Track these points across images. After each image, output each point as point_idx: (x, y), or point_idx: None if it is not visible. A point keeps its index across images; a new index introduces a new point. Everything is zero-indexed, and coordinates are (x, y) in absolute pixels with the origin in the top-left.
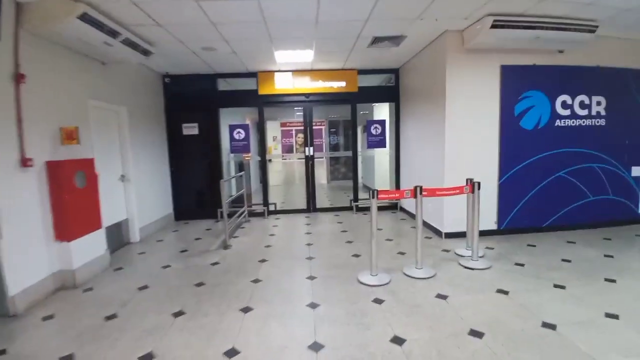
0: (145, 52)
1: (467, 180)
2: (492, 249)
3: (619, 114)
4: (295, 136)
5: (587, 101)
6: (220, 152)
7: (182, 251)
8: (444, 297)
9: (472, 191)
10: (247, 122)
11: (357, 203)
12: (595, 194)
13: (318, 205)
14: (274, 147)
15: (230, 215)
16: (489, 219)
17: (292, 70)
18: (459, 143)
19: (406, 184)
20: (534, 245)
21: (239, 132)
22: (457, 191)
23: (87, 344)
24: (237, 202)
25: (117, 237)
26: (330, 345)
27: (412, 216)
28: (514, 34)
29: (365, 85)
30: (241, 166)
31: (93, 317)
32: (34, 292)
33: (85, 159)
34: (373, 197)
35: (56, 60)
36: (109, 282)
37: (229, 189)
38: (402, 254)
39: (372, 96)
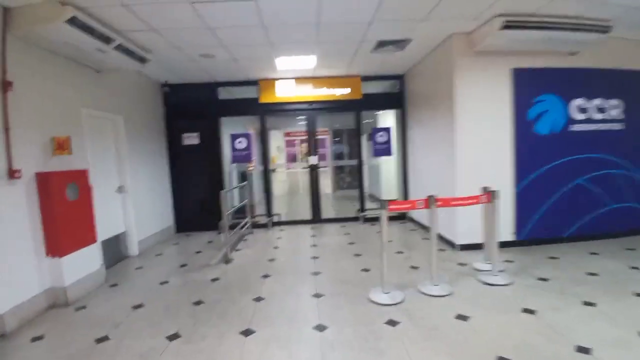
0: (142, 60)
1: (483, 189)
2: (512, 262)
3: (639, 118)
4: (299, 146)
5: (603, 105)
6: (221, 161)
7: (182, 266)
8: (464, 317)
9: (490, 200)
10: (251, 131)
11: (364, 213)
12: (616, 202)
13: (323, 216)
14: (277, 156)
15: (232, 227)
16: (505, 230)
17: (293, 77)
18: (471, 149)
19: (414, 193)
20: (556, 258)
21: (240, 142)
22: (474, 201)
23: None
24: (240, 213)
25: (114, 251)
26: None
27: (422, 226)
28: (524, 35)
29: (369, 92)
30: (244, 176)
31: (84, 339)
32: (24, 311)
33: (78, 170)
34: (383, 208)
35: (47, 67)
36: (103, 299)
37: (231, 199)
38: (415, 268)
39: (377, 103)
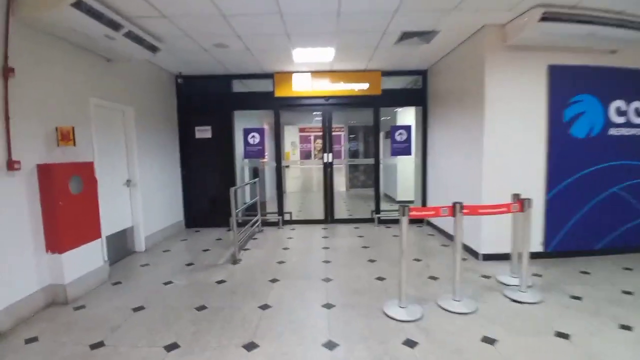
0: (153, 48)
1: (513, 196)
2: (540, 276)
3: None
4: (314, 142)
5: None
6: (234, 156)
7: (188, 264)
8: (491, 341)
9: (523, 209)
10: (265, 126)
11: (379, 215)
12: None
13: (336, 216)
14: (292, 152)
15: (243, 225)
16: (534, 240)
17: (310, 71)
18: (499, 152)
19: (434, 196)
20: (588, 273)
21: (253, 136)
22: (504, 209)
23: None
24: (251, 210)
25: (120, 246)
26: None
27: (442, 232)
28: (565, 28)
29: (389, 88)
30: (256, 172)
31: (79, 343)
32: (21, 309)
33: (83, 163)
34: (404, 215)
35: (54, 54)
36: (104, 299)
37: (242, 196)
38: (434, 278)
39: (397, 99)
